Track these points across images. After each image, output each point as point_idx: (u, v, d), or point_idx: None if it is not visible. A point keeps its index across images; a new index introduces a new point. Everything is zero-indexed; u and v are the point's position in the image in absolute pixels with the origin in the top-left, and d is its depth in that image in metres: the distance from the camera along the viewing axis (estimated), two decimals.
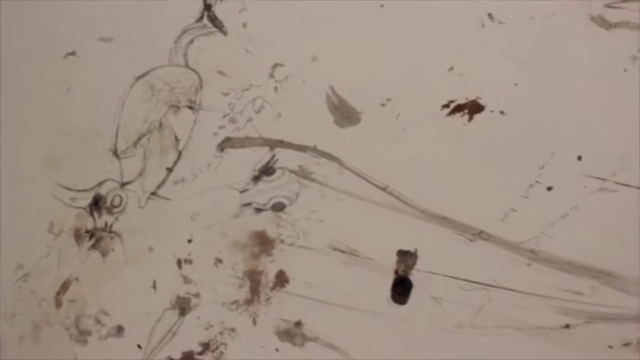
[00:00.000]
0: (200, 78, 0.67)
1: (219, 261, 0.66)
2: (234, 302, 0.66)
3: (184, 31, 0.67)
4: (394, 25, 0.65)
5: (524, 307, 0.63)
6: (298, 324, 0.65)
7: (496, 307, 0.63)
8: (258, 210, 0.65)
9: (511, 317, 0.63)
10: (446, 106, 0.64)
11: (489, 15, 0.64)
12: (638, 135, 0.62)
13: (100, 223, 0.68)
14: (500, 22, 0.63)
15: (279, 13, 0.65)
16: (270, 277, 0.66)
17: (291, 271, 0.65)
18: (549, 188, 0.63)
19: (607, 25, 0.63)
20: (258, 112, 0.66)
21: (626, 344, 0.62)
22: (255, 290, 0.66)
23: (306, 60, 0.65)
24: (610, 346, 0.62)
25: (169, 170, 0.66)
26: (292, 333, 0.65)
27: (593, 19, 0.63)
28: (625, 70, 0.62)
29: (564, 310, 0.63)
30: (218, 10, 0.67)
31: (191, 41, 0.67)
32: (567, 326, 0.63)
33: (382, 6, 0.65)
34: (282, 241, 0.65)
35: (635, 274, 0.62)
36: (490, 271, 0.63)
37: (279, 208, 0.65)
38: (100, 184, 0.69)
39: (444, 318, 0.64)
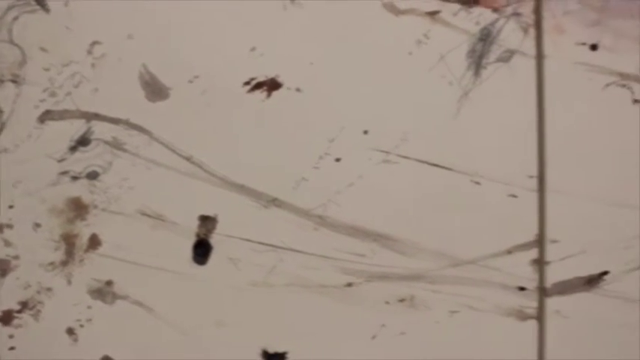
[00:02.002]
0: (24, 53, 0.72)
1: (37, 225, 0.71)
2: (51, 264, 0.71)
3: (10, 8, 0.72)
4: (203, 7, 0.70)
5: (311, 267, 0.69)
6: (109, 283, 0.70)
7: (286, 267, 0.69)
8: (75, 178, 0.70)
9: (299, 276, 0.69)
10: (247, 83, 0.70)
11: None
12: (414, 113, 0.68)
13: None
14: (300, 6, 0.69)
15: None
16: (84, 240, 0.71)
17: (103, 235, 0.71)
18: (338, 159, 0.69)
19: (396, 11, 0.69)
20: (76, 86, 0.71)
21: (401, 300, 0.68)
22: (70, 252, 0.71)
23: (122, 38, 0.70)
24: (387, 302, 0.68)
25: None
26: (104, 292, 0.70)
27: (384, 5, 0.69)
28: (410, 54, 0.69)
29: (347, 270, 0.69)
30: None
31: (16, 18, 0.72)
32: (349, 284, 0.69)
33: None
34: (95, 207, 0.70)
35: (410, 238, 0.68)
36: (282, 234, 0.69)
37: (93, 176, 0.70)
38: None
39: (240, 277, 0.69)
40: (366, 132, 0.69)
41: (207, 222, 0.69)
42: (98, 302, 0.71)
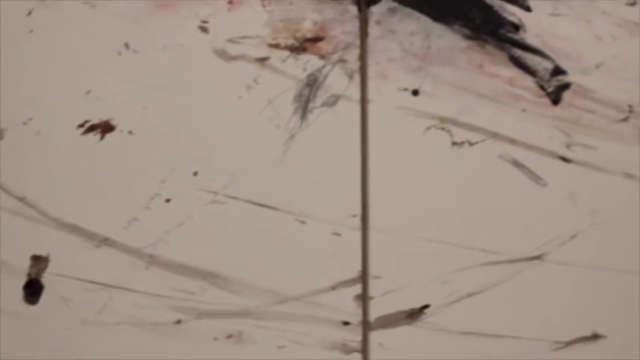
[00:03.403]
0: None
1: None
2: None
3: None
4: (38, 49, 0.72)
5: (142, 305, 0.71)
6: None
7: (117, 305, 0.71)
8: None
9: (130, 314, 0.71)
10: (81, 125, 0.71)
11: (126, 44, 0.72)
12: (243, 155, 0.71)
13: None
14: (135, 51, 0.72)
15: None
16: None
17: None
18: (168, 200, 0.71)
19: (227, 57, 0.72)
20: None
21: (229, 336, 0.71)
22: None
23: None
24: (215, 338, 0.70)
25: None
26: None
27: (216, 51, 0.72)
28: (240, 98, 0.72)
29: (177, 307, 0.71)
30: None
31: None
32: (179, 322, 0.71)
33: (31, 31, 0.72)
34: None
35: (237, 275, 0.71)
36: (113, 273, 0.71)
37: None
38: None
39: (71, 316, 0.71)
40: (195, 173, 0.71)
41: (38, 262, 0.71)
42: None
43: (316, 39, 0.72)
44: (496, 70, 0.73)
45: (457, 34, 0.73)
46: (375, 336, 0.72)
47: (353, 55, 0.72)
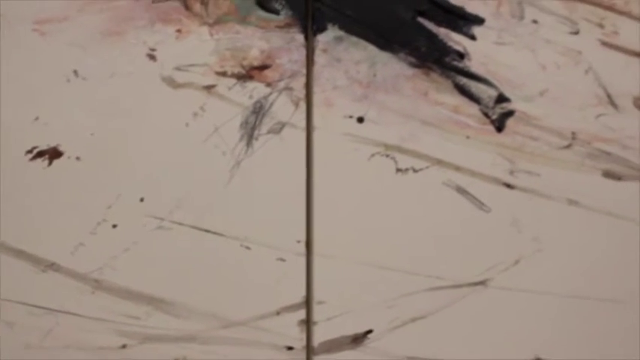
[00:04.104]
0: None
1: None
2: None
3: None
4: None
5: (87, 330, 0.72)
6: None
7: (63, 330, 0.72)
8: None
9: (76, 339, 0.72)
10: (29, 151, 0.72)
11: (75, 71, 0.73)
12: (189, 181, 0.72)
13: None
14: (83, 78, 0.73)
15: None
16: None
17: None
18: (114, 226, 0.72)
19: (175, 85, 0.73)
20: None
21: None
22: None
23: None
24: None
25: None
26: None
27: (164, 79, 0.73)
28: (187, 125, 0.73)
29: (122, 332, 0.72)
30: None
31: None
32: (124, 346, 0.72)
33: None
34: None
35: (183, 301, 0.72)
36: (59, 298, 0.72)
37: None
38: None
39: (15, 340, 0.71)
40: (142, 199, 0.72)
41: None
42: None
43: (263, 67, 0.74)
44: (441, 98, 0.74)
45: (402, 62, 0.74)
46: None
47: (299, 82, 0.74)
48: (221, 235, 0.72)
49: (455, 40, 0.75)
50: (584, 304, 0.75)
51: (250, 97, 0.73)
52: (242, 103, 0.73)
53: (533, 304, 0.74)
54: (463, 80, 0.75)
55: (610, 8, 0.76)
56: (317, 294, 0.73)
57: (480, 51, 0.74)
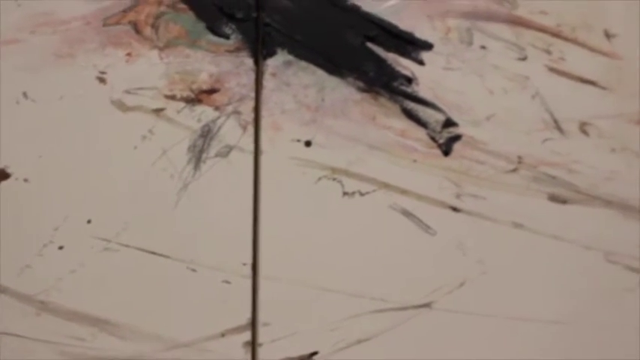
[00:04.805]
0: None
1: None
2: None
3: None
4: None
5: (32, 351, 0.72)
6: None
7: (7, 352, 0.72)
8: None
9: None
10: None
11: (24, 94, 0.73)
12: (136, 204, 0.72)
13: None
14: (33, 101, 0.73)
15: None
16: None
17: None
18: (61, 247, 0.72)
19: (124, 108, 0.74)
20: None
21: None
22: None
23: None
24: None
25: None
26: None
27: (113, 102, 0.74)
28: (135, 148, 0.73)
29: (67, 353, 0.72)
30: None
31: None
32: None
33: None
34: None
35: (128, 322, 0.72)
36: (3, 320, 0.72)
37: None
38: None
39: None
40: (89, 221, 0.73)
41: None
42: None
43: (212, 91, 0.75)
44: (388, 122, 0.76)
45: (351, 86, 0.75)
46: None
47: (247, 106, 0.75)
48: (167, 257, 0.73)
49: (403, 65, 0.76)
50: (527, 325, 0.76)
51: (199, 120, 0.74)
52: (190, 126, 0.74)
53: (477, 326, 0.75)
54: (411, 105, 0.76)
55: (557, 35, 0.77)
56: (262, 316, 0.73)
57: (428, 76, 0.76)
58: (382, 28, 0.76)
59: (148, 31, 0.75)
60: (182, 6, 0.75)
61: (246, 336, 0.73)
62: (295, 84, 0.75)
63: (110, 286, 0.73)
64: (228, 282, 0.74)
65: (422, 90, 0.76)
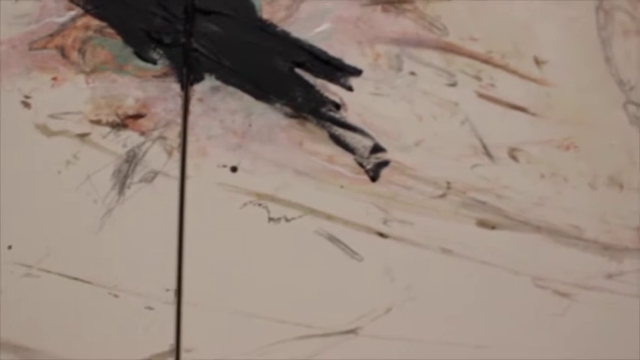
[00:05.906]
0: None
1: None
2: None
3: None
4: None
5: None
6: None
7: None
8: None
9: None
10: None
11: None
12: (59, 229, 0.72)
13: None
14: None
15: None
16: None
17: None
18: None
19: (49, 132, 0.74)
20: None
21: None
22: None
23: None
24: None
25: None
26: None
27: (37, 126, 0.73)
28: (59, 173, 0.73)
29: None
30: None
31: None
32: None
33: None
34: None
35: (49, 349, 0.72)
36: None
37: None
38: None
39: None
40: (10, 247, 0.72)
41: None
42: None
43: (138, 116, 0.75)
44: (316, 148, 0.76)
45: (278, 112, 0.76)
46: None
47: (173, 131, 0.75)
48: (89, 283, 0.73)
49: (332, 90, 0.76)
50: (455, 350, 0.76)
51: (124, 145, 0.74)
52: (115, 151, 0.74)
53: (403, 352, 0.75)
54: (339, 130, 0.76)
55: (487, 61, 0.78)
56: (185, 342, 0.73)
57: (356, 102, 0.76)
58: (311, 54, 0.76)
59: (74, 55, 0.75)
60: (110, 31, 0.75)
61: None
62: (222, 109, 0.75)
63: (31, 313, 0.72)
64: (151, 308, 0.73)
65: (350, 116, 0.76)
